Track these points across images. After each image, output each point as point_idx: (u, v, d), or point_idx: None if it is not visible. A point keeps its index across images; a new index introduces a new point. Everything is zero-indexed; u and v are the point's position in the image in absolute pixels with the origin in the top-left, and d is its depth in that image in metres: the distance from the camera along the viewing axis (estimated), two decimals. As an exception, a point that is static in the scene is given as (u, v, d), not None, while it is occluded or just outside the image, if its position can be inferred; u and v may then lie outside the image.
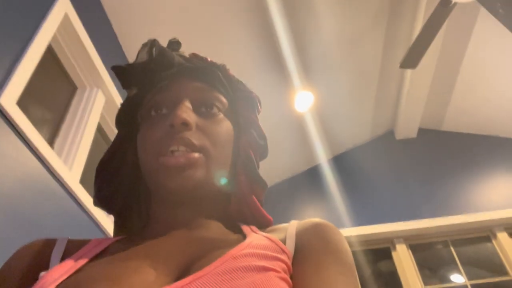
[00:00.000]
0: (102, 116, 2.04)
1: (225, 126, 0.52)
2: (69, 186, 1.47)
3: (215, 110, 0.51)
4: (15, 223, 1.18)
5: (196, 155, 0.46)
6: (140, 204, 0.55)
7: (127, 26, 2.19)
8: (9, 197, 1.17)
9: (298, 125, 3.19)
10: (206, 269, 0.37)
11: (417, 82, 3.01)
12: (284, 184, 3.56)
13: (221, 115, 0.52)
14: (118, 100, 2.07)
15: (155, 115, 0.50)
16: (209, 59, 0.56)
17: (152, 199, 0.52)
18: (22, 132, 1.26)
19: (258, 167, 0.57)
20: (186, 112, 0.47)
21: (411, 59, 2.40)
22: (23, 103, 1.41)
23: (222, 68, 0.56)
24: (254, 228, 0.52)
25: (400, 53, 2.89)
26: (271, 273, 0.39)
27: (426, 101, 3.30)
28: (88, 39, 1.82)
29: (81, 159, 1.67)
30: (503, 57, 2.79)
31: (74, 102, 1.84)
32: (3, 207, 1.14)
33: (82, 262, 0.43)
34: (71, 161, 1.60)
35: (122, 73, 0.53)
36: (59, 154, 1.60)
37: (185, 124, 0.46)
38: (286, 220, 2.60)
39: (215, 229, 0.50)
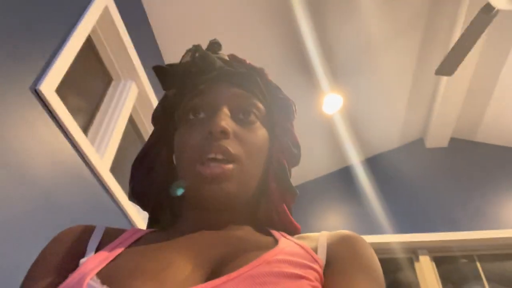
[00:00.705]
0: (134, 108, 2.10)
1: (261, 135, 0.52)
2: (99, 174, 1.52)
3: (252, 117, 0.52)
4: (46, 206, 1.23)
5: (231, 166, 0.47)
6: (173, 201, 0.56)
7: (163, 22, 2.24)
8: (43, 180, 1.23)
9: (327, 128, 3.17)
10: (240, 271, 0.38)
11: (452, 89, 2.93)
12: (312, 184, 3.54)
13: (258, 123, 0.53)
14: (151, 93, 2.12)
15: (193, 119, 0.51)
16: (247, 62, 0.57)
17: (184, 199, 0.53)
18: (59, 118, 1.31)
19: (290, 176, 0.57)
20: (225, 120, 0.47)
21: (448, 66, 2.34)
22: (61, 91, 1.46)
23: (261, 73, 0.57)
24: (284, 234, 0.52)
25: (436, 59, 2.82)
26: (304, 281, 0.40)
27: (461, 110, 3.20)
28: (125, 33, 1.87)
29: (113, 148, 1.72)
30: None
31: (109, 93, 1.90)
32: (37, 190, 1.19)
33: (119, 250, 0.44)
34: (103, 150, 1.65)
35: (163, 74, 0.54)
36: (92, 142, 1.66)
37: (224, 133, 0.46)
38: (312, 219, 2.58)
39: (246, 231, 0.51)
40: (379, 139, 3.51)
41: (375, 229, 3.03)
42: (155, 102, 2.15)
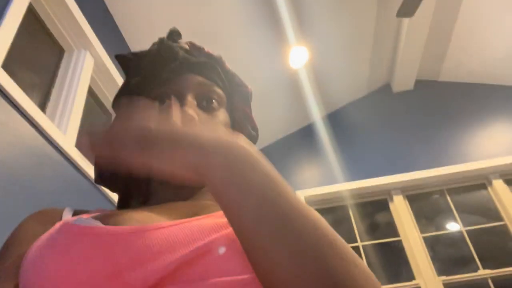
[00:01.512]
0: (93, 79, 1.99)
1: (223, 119, 0.57)
2: (65, 151, 1.46)
3: (214, 104, 0.56)
4: (12, 189, 1.17)
5: None
6: (140, 182, 0.57)
7: (111, -17, 2.09)
8: (5, 164, 1.16)
9: (293, 82, 3.15)
10: (192, 219, 0.39)
11: (414, 31, 2.94)
12: (280, 143, 3.57)
13: (220, 109, 0.57)
14: (108, 61, 2.01)
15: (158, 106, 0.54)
16: (206, 49, 0.61)
17: (153, 179, 0.55)
18: (11, 97, 1.22)
19: None
20: (191, 107, 0.51)
21: (408, 7, 2.33)
22: (9, 67, 1.36)
23: (220, 61, 0.61)
24: None
25: (397, 3, 2.80)
26: None
27: (423, 52, 3.24)
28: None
29: (75, 123, 1.64)
30: (500, 5, 2.70)
31: (63, 65, 1.79)
32: (0, 174, 1.13)
33: (92, 215, 0.45)
34: (65, 126, 1.57)
35: (126, 62, 0.58)
36: (51, 118, 1.58)
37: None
38: (285, 179, 2.61)
39: (216, 205, 0.53)
40: (347, 89, 3.53)
41: (348, 177, 3.11)
42: (114, 71, 2.05)
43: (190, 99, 0.53)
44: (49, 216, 0.50)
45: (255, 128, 0.64)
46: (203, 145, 0.34)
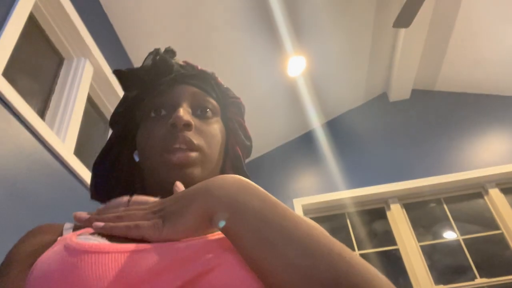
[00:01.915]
0: (92, 87, 2.00)
1: (218, 128, 0.58)
2: (63, 158, 1.46)
3: (209, 113, 0.58)
4: (12, 196, 1.17)
5: (194, 154, 0.52)
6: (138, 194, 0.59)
7: (111, -8, 2.12)
8: (4, 171, 1.16)
9: (291, 91, 3.17)
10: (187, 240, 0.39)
11: (410, 42, 2.98)
12: (278, 151, 3.58)
13: (214, 118, 0.58)
14: (107, 69, 2.02)
15: (155, 116, 0.56)
16: (199, 67, 0.62)
17: (148, 192, 0.56)
18: (11, 104, 1.23)
19: (244, 164, 0.63)
20: (187, 114, 0.53)
21: (404, 19, 2.36)
22: (9, 75, 1.37)
23: (213, 76, 0.63)
24: None
25: (393, 13, 2.84)
26: None
27: (420, 61, 3.27)
28: (71, 8, 1.75)
29: (74, 131, 1.65)
30: (496, 16, 2.74)
31: (62, 73, 1.79)
32: (-2, 180, 1.13)
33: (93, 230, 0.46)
34: (64, 133, 1.57)
35: (124, 77, 0.59)
36: (50, 126, 1.58)
37: (187, 125, 0.52)
38: (282, 187, 2.63)
39: None
40: (344, 98, 3.56)
41: (345, 186, 3.12)
42: (113, 79, 2.06)
43: (185, 106, 0.55)
44: (49, 233, 0.49)
45: (249, 138, 0.65)
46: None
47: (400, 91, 3.50)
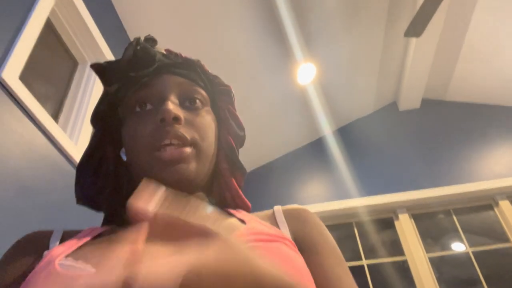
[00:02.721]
0: (105, 92, 2.03)
1: (209, 118, 0.54)
2: (75, 161, 1.48)
3: (198, 103, 0.53)
4: (25, 198, 1.19)
5: (188, 149, 0.48)
6: (126, 198, 0.55)
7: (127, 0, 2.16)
8: (17, 172, 1.19)
9: (301, 98, 3.18)
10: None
11: (421, 51, 2.97)
12: (289, 157, 3.58)
13: (205, 108, 0.54)
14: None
15: (140, 111, 0.51)
16: (183, 55, 0.58)
17: None
18: (26, 107, 1.26)
19: (238, 155, 0.60)
20: (175, 106, 0.48)
21: (416, 28, 2.36)
22: (25, 78, 1.40)
23: (198, 64, 0.58)
24: (241, 211, 0.55)
25: (404, 22, 2.84)
26: (280, 243, 0.42)
27: (430, 71, 3.26)
28: (87, 13, 1.79)
29: (86, 134, 1.67)
30: (507, 25, 2.73)
31: (76, 77, 1.83)
32: (13, 182, 1.15)
33: (81, 242, 0.44)
34: (76, 136, 1.60)
35: (103, 71, 0.53)
36: (64, 129, 1.61)
37: (176, 119, 0.48)
38: (290, 194, 2.63)
39: (210, 213, 0.52)
40: (353, 106, 3.55)
41: (353, 194, 3.11)
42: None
43: (172, 98, 0.51)
44: (35, 245, 0.48)
45: (241, 128, 0.61)
46: None
47: (410, 100, 3.49)
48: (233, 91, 0.62)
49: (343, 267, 0.49)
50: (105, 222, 0.56)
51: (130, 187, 0.56)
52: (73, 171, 1.49)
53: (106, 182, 0.55)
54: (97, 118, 0.55)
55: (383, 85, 3.42)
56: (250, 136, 3.16)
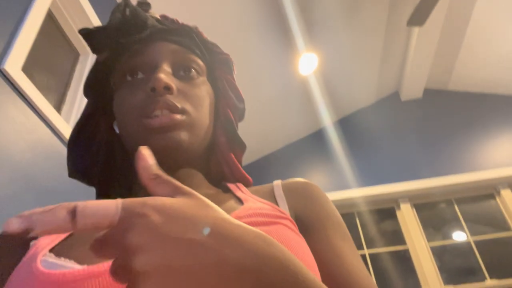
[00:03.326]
0: (107, 83, 2.04)
1: (205, 89, 0.51)
2: (78, 152, 1.49)
3: (193, 73, 0.50)
4: (28, 188, 1.21)
5: (179, 116, 0.45)
6: (120, 171, 0.54)
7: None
8: (21, 162, 1.20)
9: (303, 89, 3.17)
10: None
11: (424, 41, 2.95)
12: (290, 148, 3.59)
13: (200, 78, 0.51)
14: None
15: (131, 80, 0.48)
16: (180, 21, 0.54)
17: (132, 164, 0.49)
18: (29, 98, 1.27)
19: (237, 129, 0.57)
20: (167, 75, 0.46)
21: (418, 16, 2.35)
22: (27, 70, 1.40)
23: (195, 30, 0.55)
24: (239, 184, 0.52)
25: (407, 11, 2.82)
26: (280, 225, 0.40)
27: (433, 60, 3.24)
28: (88, 4, 1.79)
29: (89, 126, 1.68)
30: (511, 15, 2.71)
31: (78, 68, 1.83)
32: (16, 172, 1.17)
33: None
34: (79, 127, 1.61)
35: (91, 37, 0.49)
36: (66, 120, 1.62)
37: (167, 88, 0.45)
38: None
39: (205, 189, 0.50)
40: (355, 97, 3.55)
41: (355, 184, 3.12)
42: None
43: (165, 67, 0.47)
44: (11, 250, 0.45)
45: (241, 100, 0.57)
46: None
47: (412, 90, 3.48)
48: (232, 59, 0.58)
49: (348, 243, 0.45)
50: (98, 197, 0.54)
51: (123, 160, 0.54)
52: (76, 162, 1.50)
53: (98, 155, 0.52)
54: (88, 89, 0.53)
55: (385, 75, 3.41)
56: (251, 127, 3.16)
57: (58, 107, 1.65)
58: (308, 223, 0.46)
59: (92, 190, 1.58)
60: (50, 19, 1.68)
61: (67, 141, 1.44)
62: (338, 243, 0.44)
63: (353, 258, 0.43)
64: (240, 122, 0.58)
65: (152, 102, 0.44)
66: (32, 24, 1.36)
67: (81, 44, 1.86)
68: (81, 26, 1.81)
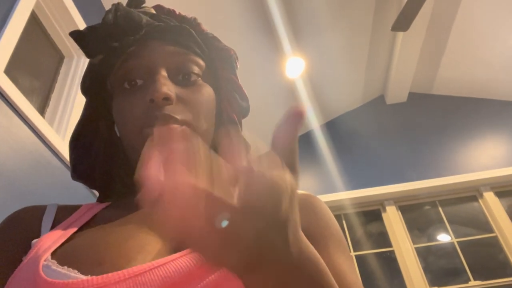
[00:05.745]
0: (92, 86, 2.01)
1: (206, 93, 0.49)
2: (63, 156, 1.47)
3: (193, 77, 0.48)
4: (11, 193, 1.18)
5: (181, 127, 0.44)
6: (121, 172, 0.53)
7: (112, -9, 2.13)
8: (4, 167, 1.17)
9: (289, 92, 3.19)
10: None
11: (408, 46, 3.00)
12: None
13: (200, 80, 0.49)
14: (107, 68, 2.03)
15: (130, 88, 0.47)
16: (177, 12, 0.52)
17: (133, 165, 0.48)
18: (12, 101, 1.24)
19: (242, 129, 0.55)
20: (166, 84, 0.44)
21: (403, 22, 2.39)
22: (10, 72, 1.38)
23: (194, 23, 0.53)
24: None
25: (391, 16, 2.86)
26: None
27: (417, 65, 3.30)
28: (73, 6, 1.76)
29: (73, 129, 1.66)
30: (494, 20, 2.77)
31: (62, 71, 1.81)
32: (0, 178, 1.14)
33: (73, 230, 0.42)
34: (63, 131, 1.59)
35: (83, 39, 0.47)
36: (50, 123, 1.59)
37: (167, 99, 0.43)
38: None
39: None
40: (341, 100, 3.58)
41: (341, 187, 3.14)
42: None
43: (162, 73, 0.45)
44: (25, 228, 0.46)
45: (244, 97, 0.55)
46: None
47: (397, 94, 3.53)
48: (235, 54, 0.55)
49: (348, 261, 0.45)
50: (100, 198, 0.54)
51: (125, 162, 0.53)
52: (60, 166, 1.48)
53: (98, 157, 0.52)
54: (84, 90, 0.52)
55: (371, 78, 3.45)
56: (239, 130, 3.15)
57: (42, 110, 1.62)
58: (311, 240, 0.46)
59: (77, 193, 1.55)
60: (34, 21, 1.65)
61: (50, 145, 1.42)
62: (339, 261, 0.44)
63: (352, 276, 0.43)
64: (243, 119, 0.57)
65: (150, 116, 0.43)
66: (15, 26, 1.34)
67: (66, 46, 1.83)
68: (65, 27, 1.78)
